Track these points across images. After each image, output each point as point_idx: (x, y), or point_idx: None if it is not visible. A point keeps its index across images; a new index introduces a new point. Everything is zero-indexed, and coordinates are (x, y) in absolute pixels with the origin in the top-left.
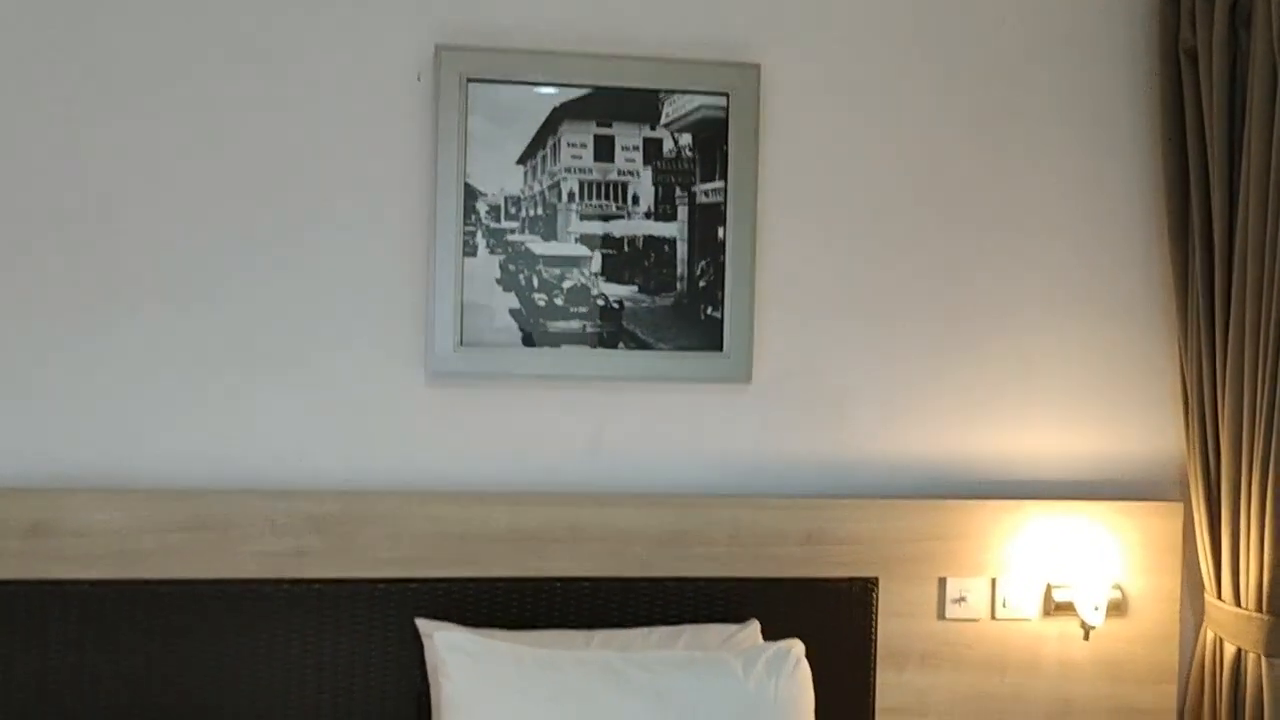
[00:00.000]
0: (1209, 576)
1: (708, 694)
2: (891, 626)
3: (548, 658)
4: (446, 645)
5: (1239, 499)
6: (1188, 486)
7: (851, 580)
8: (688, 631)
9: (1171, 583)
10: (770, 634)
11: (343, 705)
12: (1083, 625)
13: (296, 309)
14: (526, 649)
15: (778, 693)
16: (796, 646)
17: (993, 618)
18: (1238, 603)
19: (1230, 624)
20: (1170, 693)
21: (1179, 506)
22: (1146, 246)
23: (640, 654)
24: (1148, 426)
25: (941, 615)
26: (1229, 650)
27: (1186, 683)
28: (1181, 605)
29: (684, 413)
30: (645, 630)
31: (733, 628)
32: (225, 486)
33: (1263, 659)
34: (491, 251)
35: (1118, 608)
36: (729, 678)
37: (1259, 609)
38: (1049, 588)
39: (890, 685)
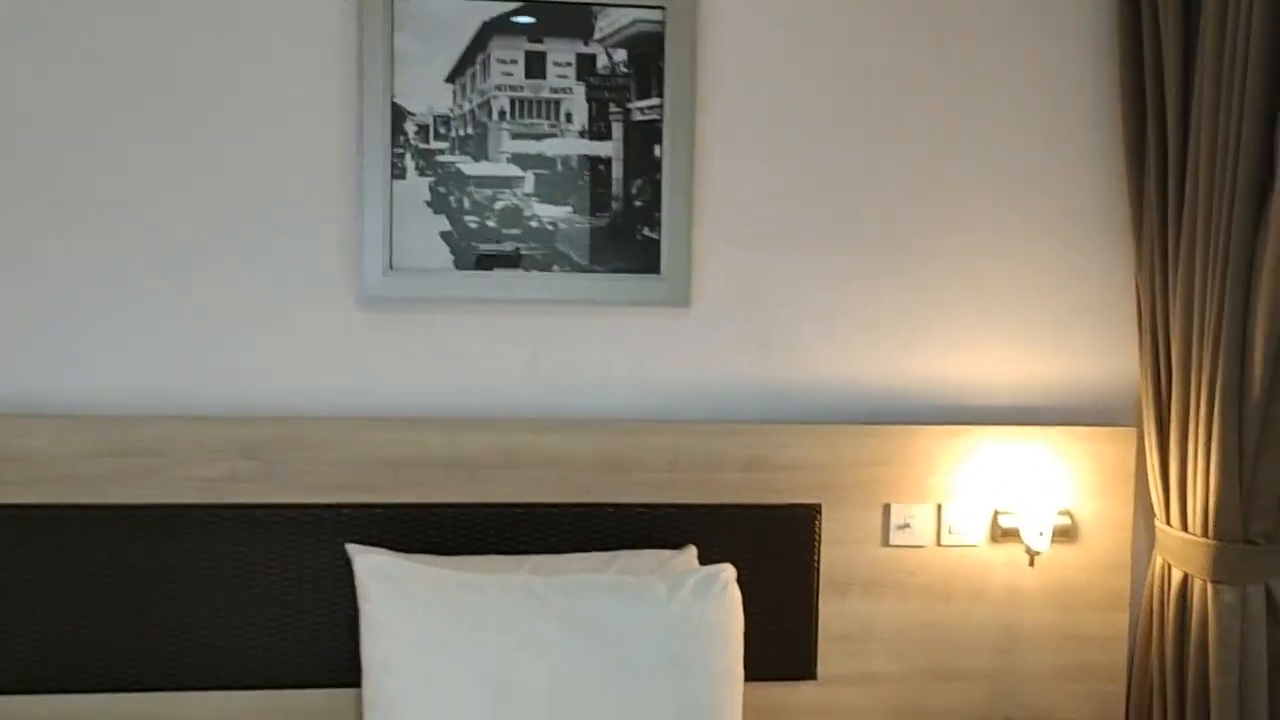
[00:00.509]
0: (1159, 502)
1: (628, 617)
2: (834, 554)
3: (470, 581)
4: (368, 568)
5: (1188, 423)
6: (1142, 412)
7: (793, 507)
8: (621, 557)
9: (1124, 509)
10: (709, 561)
11: (276, 630)
12: (1028, 551)
13: (224, 235)
14: (449, 572)
15: (703, 616)
16: (726, 571)
17: (938, 544)
18: (1185, 528)
19: (1178, 550)
20: (1122, 620)
21: (1132, 432)
22: (1103, 165)
23: (564, 578)
24: (1103, 351)
25: (886, 542)
26: (1176, 576)
27: (1138, 610)
28: (1135, 532)
29: (622, 337)
30: (579, 555)
31: (668, 553)
32: (158, 413)
33: (1208, 585)
34: (421, 173)
35: (1067, 534)
36: (651, 601)
37: (1205, 534)
38: (995, 514)
39: (833, 613)
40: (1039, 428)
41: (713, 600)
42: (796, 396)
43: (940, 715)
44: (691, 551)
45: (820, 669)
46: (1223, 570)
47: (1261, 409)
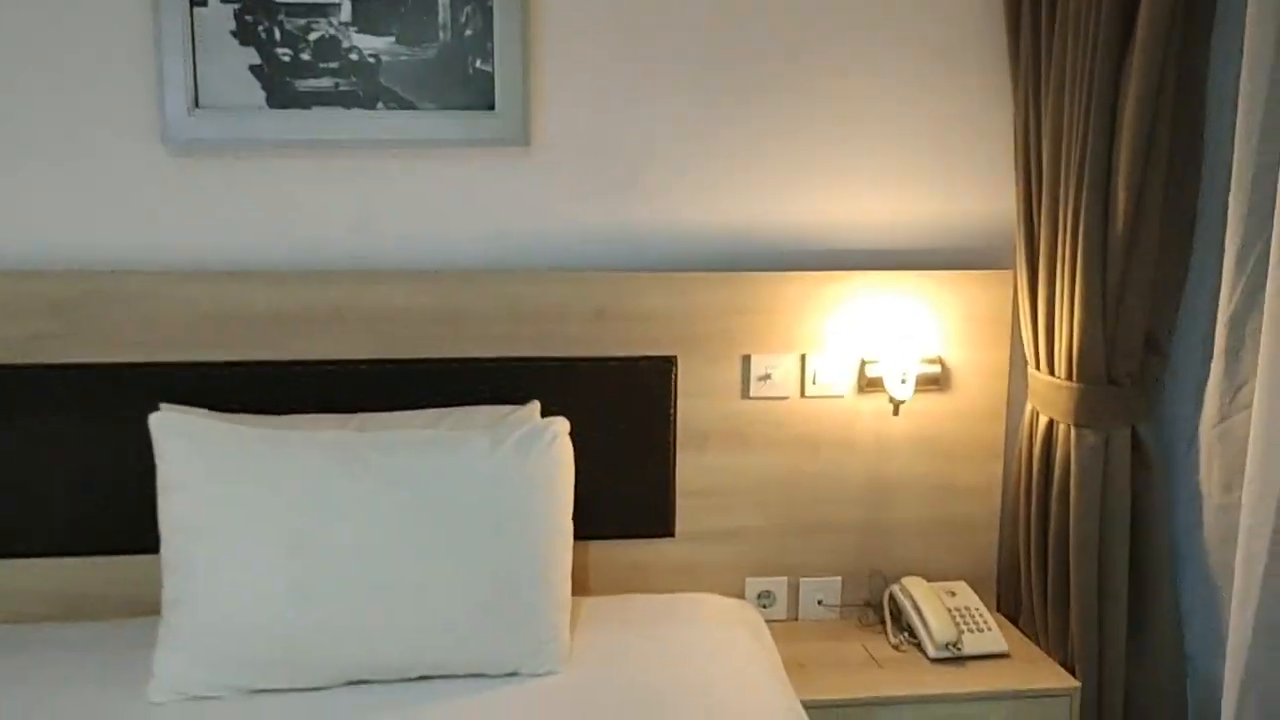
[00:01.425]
0: (1030, 347)
1: (443, 473)
2: (692, 407)
3: (273, 437)
4: (161, 426)
5: (1055, 264)
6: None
7: (647, 359)
8: (456, 414)
9: (999, 356)
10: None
11: (86, 491)
12: (891, 401)
13: (14, 75)
14: (251, 430)
15: (526, 471)
16: (556, 424)
17: (802, 395)
18: (1052, 372)
19: (1045, 395)
20: (995, 470)
21: (1010, 276)
22: None
23: (380, 434)
24: (983, 190)
25: (746, 394)
26: (1043, 422)
27: (1013, 460)
28: (1011, 380)
29: (456, 179)
30: (412, 413)
31: (507, 409)
32: None
33: (1072, 429)
34: None
35: (937, 382)
36: (470, 456)
37: (1069, 377)
38: (863, 364)
39: (692, 467)
40: (911, 272)
41: (538, 455)
42: (650, 242)
43: (806, 570)
44: (534, 408)
45: (679, 525)
46: (1085, 413)
47: (1125, 246)
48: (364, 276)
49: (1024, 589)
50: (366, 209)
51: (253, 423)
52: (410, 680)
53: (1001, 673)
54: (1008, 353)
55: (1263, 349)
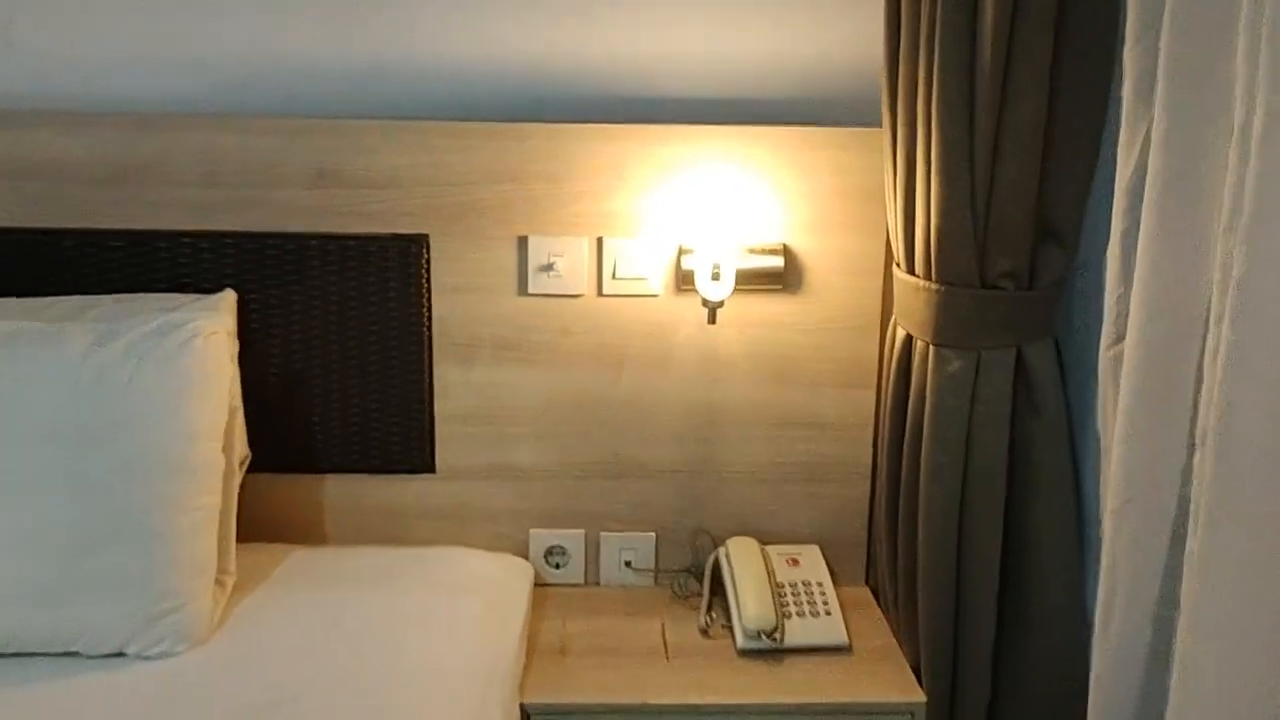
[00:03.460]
0: (893, 233)
1: (22, 378)
2: (452, 305)
3: None
4: None
5: (915, 122)
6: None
7: (387, 239)
8: (106, 302)
9: (871, 246)
10: (261, 311)
11: None
12: (705, 303)
13: None
14: None
15: (140, 383)
16: (198, 322)
17: (599, 293)
18: (911, 269)
19: (905, 300)
20: (865, 402)
21: (879, 135)
22: None
23: None
24: (851, 21)
25: (524, 289)
26: (900, 337)
27: (884, 384)
28: (887, 280)
29: None
30: (49, 300)
31: (184, 299)
32: None
33: (931, 348)
34: None
35: (779, 280)
36: (58, 359)
37: (928, 276)
38: (680, 251)
39: (456, 385)
40: (749, 128)
41: (157, 362)
42: (393, 82)
43: (611, 522)
44: (228, 299)
45: (441, 459)
46: (948, 328)
47: (993, 100)
48: (7, 116)
49: (883, 560)
50: (13, 27)
51: None
52: None
53: (826, 675)
54: (881, 242)
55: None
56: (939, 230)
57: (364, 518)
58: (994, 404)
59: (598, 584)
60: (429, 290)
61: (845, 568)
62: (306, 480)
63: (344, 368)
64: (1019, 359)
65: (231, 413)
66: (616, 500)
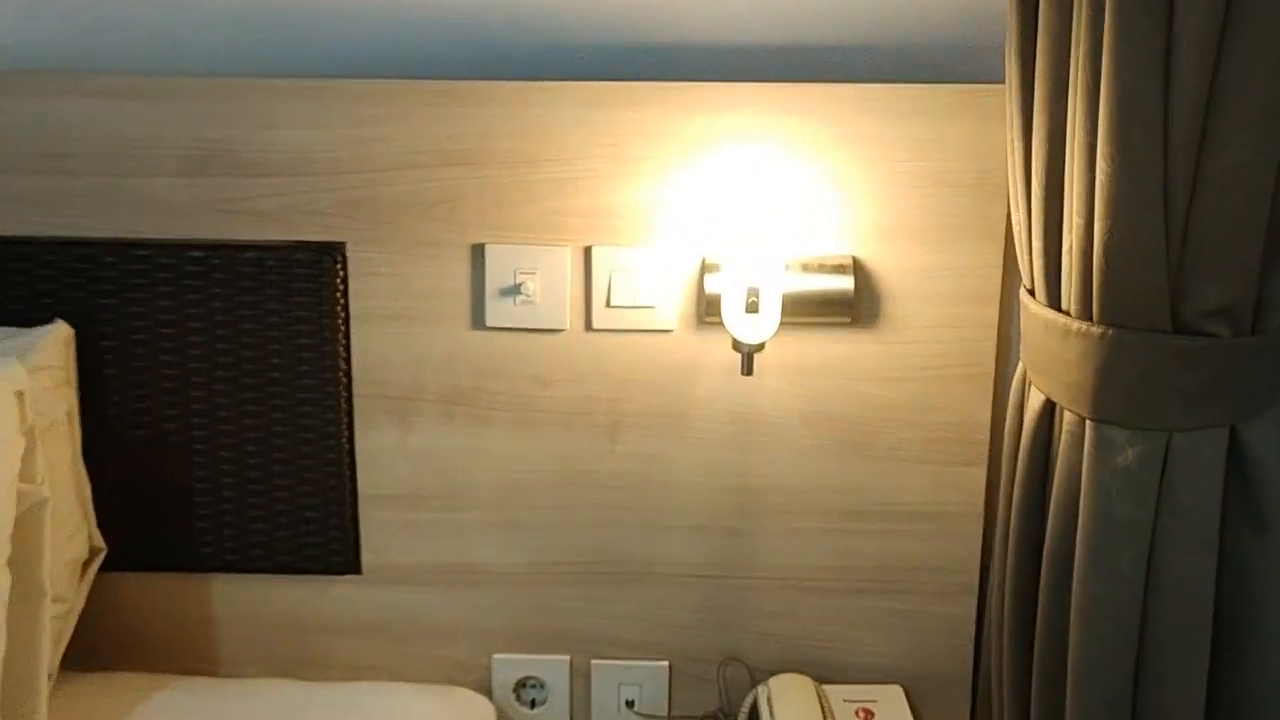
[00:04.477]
0: (1020, 242)
1: None
2: (379, 342)
3: None
4: None
5: (1065, 69)
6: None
7: (290, 248)
8: None
9: (978, 258)
10: (104, 354)
11: None
12: (737, 346)
13: None
14: None
15: None
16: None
17: (589, 328)
18: (1056, 302)
19: (1043, 347)
20: (972, 484)
21: (999, 94)
22: None
23: None
24: None
25: (480, 320)
26: (1036, 403)
27: (1002, 457)
28: (1009, 309)
29: None
30: None
31: None
32: None
33: (1087, 425)
34: None
35: (847, 309)
36: None
37: (1087, 315)
38: (704, 266)
39: (385, 455)
40: (811, 86)
41: None
42: (303, 27)
43: (606, 644)
44: (58, 335)
45: (368, 556)
46: (1122, 397)
47: (1211, 19)
48: None
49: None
50: None
51: None
52: None
53: None
54: (1001, 256)
55: None
56: (1106, 241)
57: (265, 635)
58: (1193, 515)
59: None
60: (346, 321)
61: (940, 711)
62: (185, 583)
63: (233, 429)
64: (1233, 444)
65: (76, 488)
66: (613, 615)
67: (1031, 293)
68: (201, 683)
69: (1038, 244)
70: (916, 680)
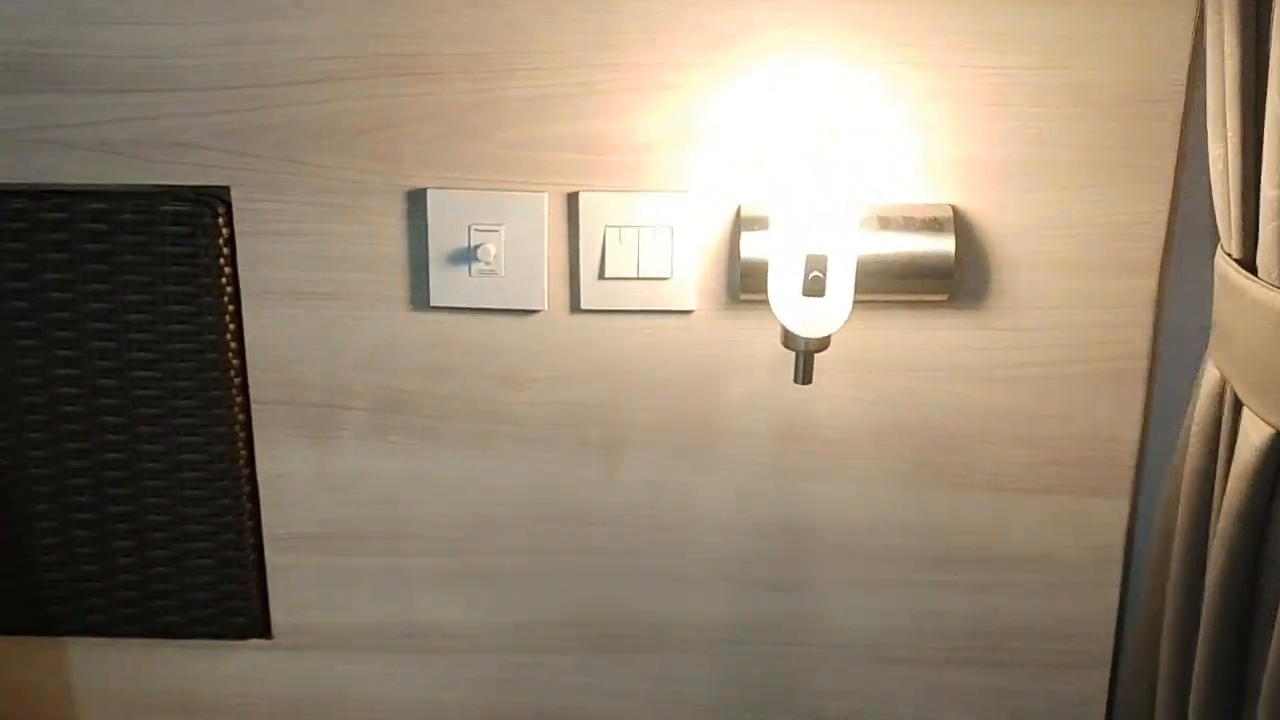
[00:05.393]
0: (1219, 187)
1: None
2: (284, 328)
3: None
4: None
5: None
6: None
7: (151, 196)
8: None
9: (1133, 210)
10: None
11: None
12: (789, 341)
13: None
14: None
15: None
16: None
17: (575, 308)
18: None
19: (1250, 331)
20: (1100, 519)
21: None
22: None
23: None
24: None
25: (423, 297)
26: (1250, 428)
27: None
28: (1170, 280)
29: None
30: None
31: None
32: None
33: None
34: None
35: (940, 277)
36: None
37: None
38: (741, 223)
39: (298, 482)
40: None
41: None
42: None
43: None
44: None
45: (280, 615)
46: None
47: None
48: None
49: None
50: None
51: None
52: None
53: None
54: (1166, 206)
55: None
56: None
57: (146, 718)
58: None
59: None
60: (236, 300)
61: None
62: (39, 650)
63: (87, 450)
64: None
65: None
66: (615, 694)
67: (1241, 264)
68: None
69: (1272, 190)
70: None
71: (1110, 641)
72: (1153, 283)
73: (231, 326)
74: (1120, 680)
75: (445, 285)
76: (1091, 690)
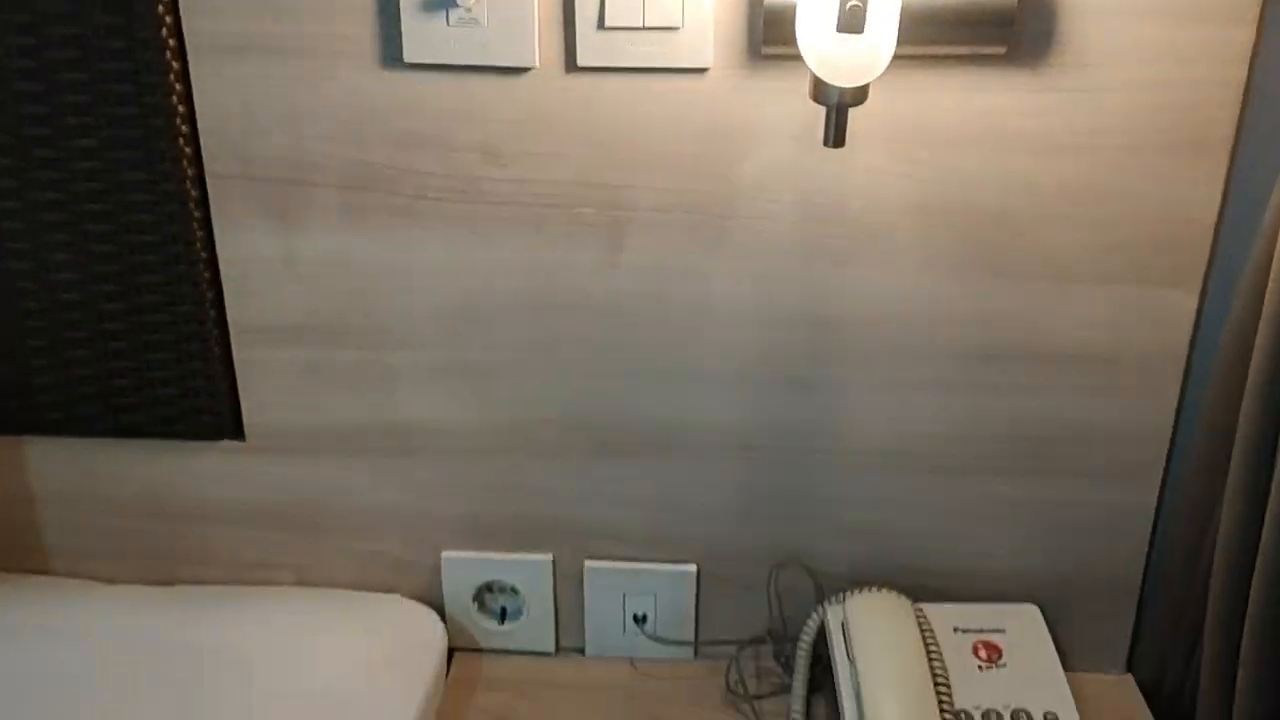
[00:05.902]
0: None
1: None
2: (238, 89)
3: None
4: None
5: None
6: None
7: None
8: None
9: None
10: None
11: None
12: (819, 92)
13: None
14: None
15: None
16: None
17: (571, 67)
18: None
19: None
20: (1166, 310)
21: None
22: None
23: None
24: None
25: (395, 54)
26: None
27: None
28: (1262, 34)
29: None
30: None
31: None
32: None
33: None
34: None
35: (999, 25)
36: None
37: None
38: None
39: (265, 269)
40: None
41: None
42: None
43: (598, 542)
44: None
45: (252, 415)
46: None
47: None
48: None
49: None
50: None
51: None
52: None
53: None
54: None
55: None
56: None
57: (110, 522)
58: None
59: (580, 654)
60: (181, 55)
61: (1091, 638)
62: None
63: (32, 230)
64: None
65: None
66: (617, 499)
67: None
68: (27, 583)
69: None
70: (1059, 600)
71: (1165, 449)
72: (1248, 34)
73: (178, 87)
74: (1172, 491)
75: (420, 38)
76: (1139, 501)
